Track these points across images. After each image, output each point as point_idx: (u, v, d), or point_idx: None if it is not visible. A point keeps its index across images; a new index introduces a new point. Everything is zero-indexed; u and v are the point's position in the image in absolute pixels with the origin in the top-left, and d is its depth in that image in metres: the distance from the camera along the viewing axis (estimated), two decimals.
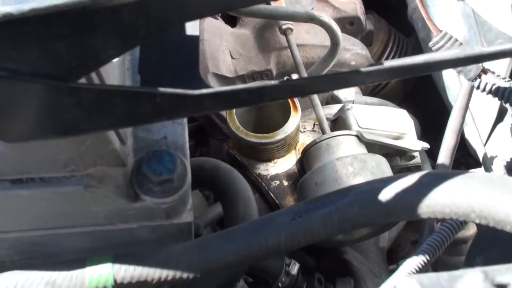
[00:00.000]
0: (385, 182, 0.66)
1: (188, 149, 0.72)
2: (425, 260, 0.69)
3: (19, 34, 0.42)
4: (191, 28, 0.58)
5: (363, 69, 0.52)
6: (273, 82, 0.51)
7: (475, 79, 0.74)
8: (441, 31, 0.74)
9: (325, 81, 0.52)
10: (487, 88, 0.74)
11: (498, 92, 0.73)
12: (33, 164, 0.60)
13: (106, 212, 0.67)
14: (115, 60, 0.71)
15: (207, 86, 0.49)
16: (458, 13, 0.88)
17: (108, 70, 0.63)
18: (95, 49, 0.44)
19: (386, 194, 0.65)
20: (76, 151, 0.59)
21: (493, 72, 0.75)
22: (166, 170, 0.65)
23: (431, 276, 0.53)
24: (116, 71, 0.69)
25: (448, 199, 0.61)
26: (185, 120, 0.72)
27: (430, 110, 1.52)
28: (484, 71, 0.74)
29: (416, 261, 0.68)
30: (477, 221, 0.59)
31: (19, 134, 0.52)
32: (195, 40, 0.58)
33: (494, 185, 0.61)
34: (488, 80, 0.73)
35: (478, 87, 0.74)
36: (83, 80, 0.50)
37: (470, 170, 1.10)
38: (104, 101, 0.49)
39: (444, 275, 0.49)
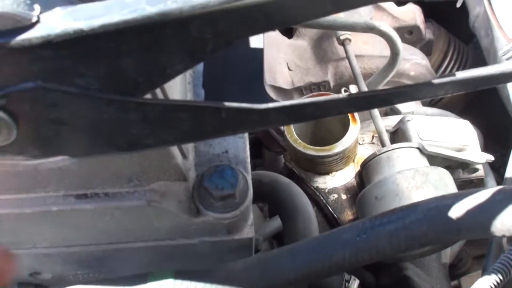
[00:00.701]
0: (455, 198, 0.63)
1: (249, 163, 0.70)
2: (498, 280, 0.65)
3: (89, 50, 0.41)
4: (256, 41, 0.57)
5: (435, 81, 0.49)
6: (340, 95, 0.49)
7: None
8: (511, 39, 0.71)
9: (394, 94, 0.50)
10: None
11: None
12: (98, 179, 0.60)
13: (168, 227, 0.66)
14: None
15: (272, 100, 0.48)
16: None
17: (171, 84, 0.63)
18: (162, 64, 0.44)
19: (457, 211, 0.62)
20: (140, 166, 0.58)
21: None
22: (228, 185, 0.64)
23: None
24: (179, 85, 0.68)
25: None
26: (246, 134, 0.71)
27: (492, 121, 1.47)
28: None
29: (489, 280, 0.65)
30: None
31: (85, 149, 0.52)
32: (259, 53, 0.57)
33: None
34: None
35: None
36: (148, 95, 0.50)
37: None
38: (169, 116, 0.48)
39: None
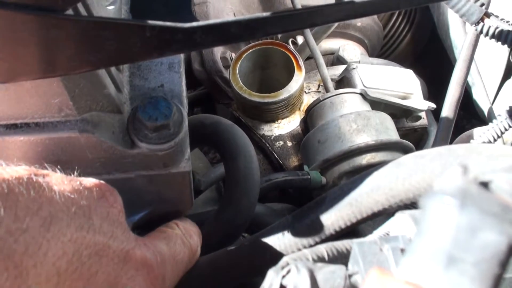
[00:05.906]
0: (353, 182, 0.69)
1: (186, 97, 0.71)
2: None
3: None
4: None
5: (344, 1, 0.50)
6: (264, 14, 0.50)
7: (478, 23, 0.72)
8: None
9: (315, 13, 0.51)
10: (490, 32, 0.72)
11: (501, 36, 0.71)
12: (27, 109, 0.59)
13: (103, 159, 0.66)
14: (110, 7, 0.70)
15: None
16: None
17: (102, 13, 0.62)
18: None
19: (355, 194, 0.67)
20: (69, 94, 0.58)
21: (496, 16, 0.73)
22: (162, 116, 0.64)
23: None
24: (112, 14, 0.68)
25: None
26: (182, 69, 0.71)
27: (438, 72, 1.50)
28: (487, 14, 0.72)
29: None
30: None
31: (9, 74, 0.51)
32: None
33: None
34: (491, 24, 0.71)
35: (481, 31, 0.72)
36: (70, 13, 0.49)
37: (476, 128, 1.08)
38: (92, 34, 0.48)
39: None
